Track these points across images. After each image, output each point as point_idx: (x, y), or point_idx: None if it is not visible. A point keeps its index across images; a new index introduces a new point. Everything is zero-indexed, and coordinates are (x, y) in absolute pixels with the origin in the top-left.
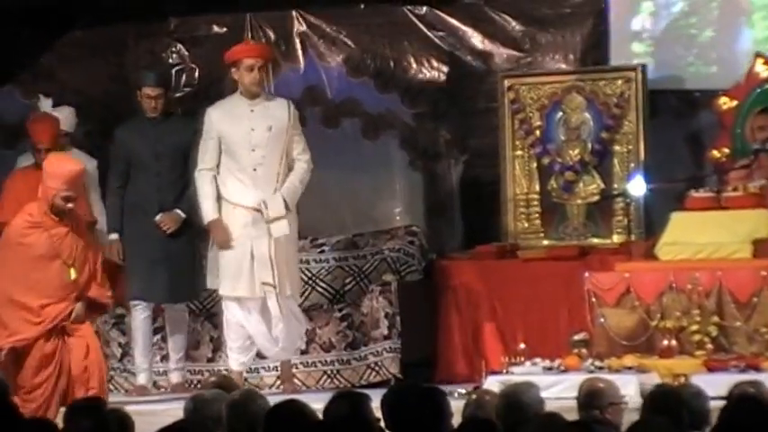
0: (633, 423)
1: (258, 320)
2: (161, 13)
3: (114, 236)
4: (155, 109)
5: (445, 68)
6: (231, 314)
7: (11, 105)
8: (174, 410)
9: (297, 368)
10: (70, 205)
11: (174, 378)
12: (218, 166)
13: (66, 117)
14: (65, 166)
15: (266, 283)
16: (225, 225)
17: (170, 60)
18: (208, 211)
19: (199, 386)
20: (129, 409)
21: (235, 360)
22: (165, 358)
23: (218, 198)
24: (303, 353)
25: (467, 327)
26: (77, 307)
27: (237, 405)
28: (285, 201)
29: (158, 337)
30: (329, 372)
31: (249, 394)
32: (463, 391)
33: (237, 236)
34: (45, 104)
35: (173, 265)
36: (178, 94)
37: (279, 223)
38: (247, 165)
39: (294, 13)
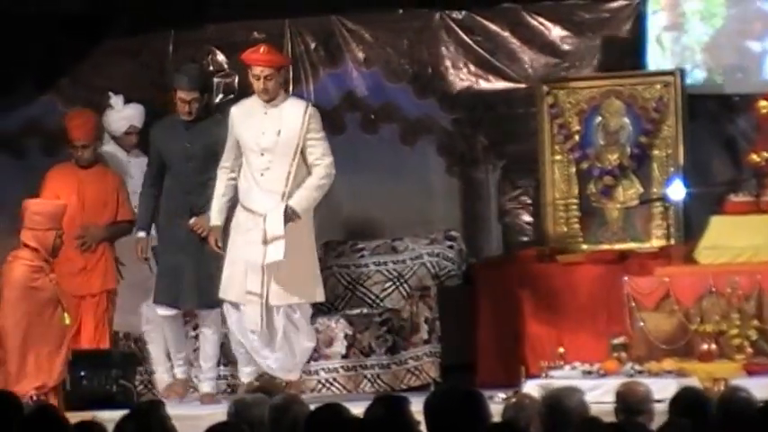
0: (659, 426)
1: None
2: (200, 20)
3: (141, 234)
4: (189, 113)
5: (483, 73)
6: (230, 321)
7: (51, 113)
8: (217, 415)
9: (337, 372)
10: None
11: (205, 387)
12: (240, 166)
13: (138, 113)
14: (53, 205)
15: (251, 292)
16: (218, 234)
17: (209, 67)
18: (212, 215)
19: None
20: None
21: (241, 371)
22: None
23: (231, 199)
24: (344, 357)
25: (506, 331)
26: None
27: (279, 409)
28: (288, 214)
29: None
30: (369, 376)
31: (290, 399)
32: (503, 396)
33: (241, 239)
34: (116, 101)
35: (202, 269)
36: (217, 101)
37: (275, 245)
38: (256, 168)
39: (333, 18)
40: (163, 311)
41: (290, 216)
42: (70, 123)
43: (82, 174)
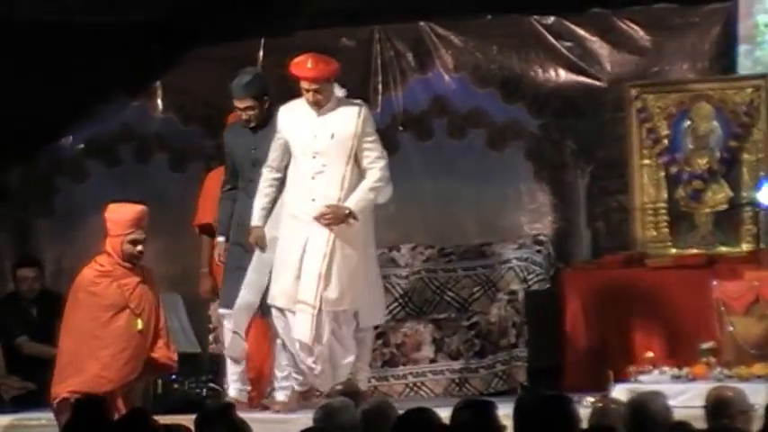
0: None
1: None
2: (290, 27)
3: (221, 239)
4: (247, 120)
5: (572, 78)
6: (278, 327)
7: (142, 120)
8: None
9: (425, 376)
10: (140, 248)
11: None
12: (286, 167)
13: None
14: (125, 209)
15: (302, 301)
16: (262, 236)
17: None
18: (254, 214)
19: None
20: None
21: (279, 391)
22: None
23: (274, 200)
24: (432, 361)
25: (594, 335)
26: None
27: (371, 413)
28: (344, 215)
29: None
30: (457, 380)
31: (381, 403)
32: (591, 400)
33: (291, 246)
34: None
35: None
36: None
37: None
38: (307, 172)
39: (422, 24)
40: (225, 312)
41: (345, 218)
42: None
43: None
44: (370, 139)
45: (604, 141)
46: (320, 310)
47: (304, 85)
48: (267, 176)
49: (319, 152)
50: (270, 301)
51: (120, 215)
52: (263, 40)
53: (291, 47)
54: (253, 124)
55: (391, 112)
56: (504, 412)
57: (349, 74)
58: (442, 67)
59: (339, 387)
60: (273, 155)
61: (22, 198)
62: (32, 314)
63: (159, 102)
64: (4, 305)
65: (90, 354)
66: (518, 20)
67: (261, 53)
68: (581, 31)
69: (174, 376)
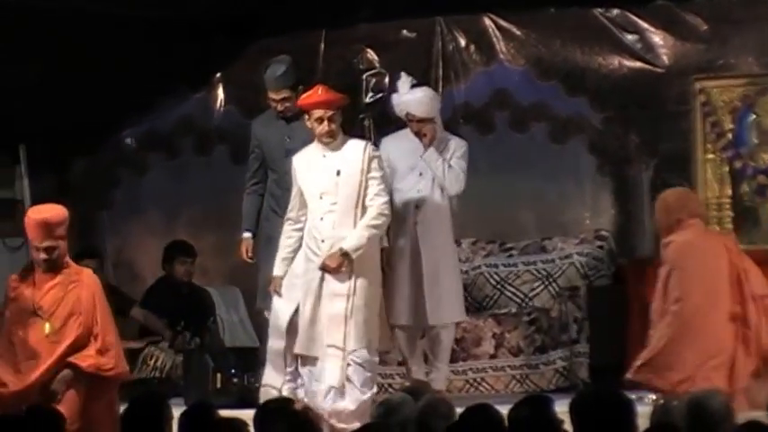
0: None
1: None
2: (351, 19)
3: (246, 235)
4: (281, 112)
5: (635, 71)
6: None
7: (203, 112)
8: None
9: (485, 372)
10: (43, 256)
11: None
12: (305, 216)
13: (415, 101)
14: (31, 217)
15: (332, 345)
16: (281, 284)
17: (360, 66)
18: (276, 266)
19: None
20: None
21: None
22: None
23: (296, 250)
24: (492, 357)
25: None
26: (60, 375)
27: (427, 410)
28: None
29: None
30: (518, 376)
31: (435, 400)
32: (653, 397)
33: (300, 286)
34: (403, 83)
35: None
36: (368, 100)
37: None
38: (316, 213)
39: (484, 16)
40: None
41: (341, 259)
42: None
43: None
44: (374, 175)
45: (668, 135)
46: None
47: (318, 114)
48: (287, 229)
49: (325, 191)
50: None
51: (28, 222)
52: (324, 32)
53: (353, 38)
54: (287, 115)
55: (452, 104)
56: (565, 409)
57: (410, 66)
58: (505, 59)
59: (406, 384)
60: (292, 204)
61: (83, 190)
62: None
63: (220, 94)
64: None
65: (8, 360)
66: (581, 12)
67: (322, 45)
68: (645, 24)
69: (232, 371)
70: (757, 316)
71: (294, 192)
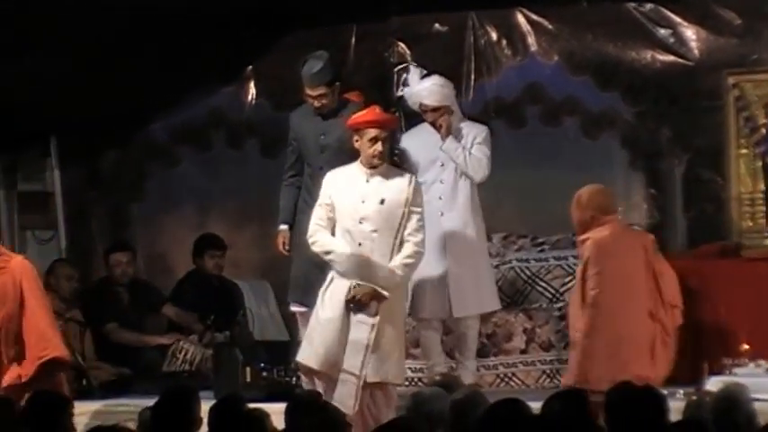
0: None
1: None
2: (382, 13)
3: (283, 227)
4: (318, 108)
5: (668, 65)
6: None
7: (234, 105)
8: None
9: (516, 367)
10: None
11: None
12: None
13: (427, 90)
14: None
15: (348, 371)
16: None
17: (391, 59)
18: (338, 252)
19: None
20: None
21: None
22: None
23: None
24: (523, 352)
25: (689, 326)
26: None
27: (461, 404)
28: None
29: None
30: (548, 371)
31: (471, 393)
32: (685, 392)
33: (333, 310)
34: (413, 74)
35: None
36: (399, 94)
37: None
38: (354, 237)
39: (516, 10)
40: (295, 308)
41: (373, 295)
42: None
43: None
44: (416, 210)
45: (701, 129)
46: (364, 381)
47: (372, 134)
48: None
49: (366, 217)
50: (303, 359)
51: None
52: (355, 26)
53: (384, 32)
54: (324, 111)
55: (483, 99)
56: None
57: (441, 60)
58: (537, 53)
59: (437, 377)
60: (319, 217)
61: (114, 183)
62: (123, 301)
63: (252, 87)
64: (97, 290)
65: None
66: (614, 7)
67: (354, 38)
68: (678, 18)
69: (262, 364)
70: (671, 324)
71: (324, 204)
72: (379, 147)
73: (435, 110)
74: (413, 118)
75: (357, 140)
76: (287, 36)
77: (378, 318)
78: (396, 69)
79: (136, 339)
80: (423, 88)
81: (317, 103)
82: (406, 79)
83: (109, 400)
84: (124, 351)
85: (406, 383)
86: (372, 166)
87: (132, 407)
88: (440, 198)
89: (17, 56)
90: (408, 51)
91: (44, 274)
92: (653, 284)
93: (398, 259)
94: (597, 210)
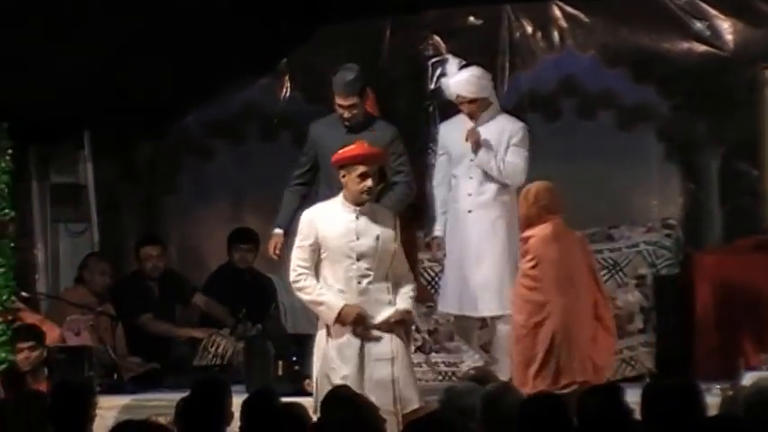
0: None
1: None
2: (417, 6)
3: (277, 231)
4: (347, 119)
5: (703, 58)
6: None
7: (268, 98)
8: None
9: None
10: None
11: None
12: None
13: (463, 81)
14: None
15: (384, 410)
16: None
17: (426, 52)
18: (330, 304)
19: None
20: None
21: None
22: None
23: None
24: None
25: (724, 321)
26: None
27: (492, 398)
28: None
29: None
30: None
31: (504, 387)
32: (721, 388)
33: (350, 367)
34: (451, 65)
35: None
36: (433, 87)
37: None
38: (351, 274)
39: (551, 3)
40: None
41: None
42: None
43: None
44: (399, 245)
45: (737, 122)
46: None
47: (361, 169)
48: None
49: (364, 254)
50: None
51: None
52: (390, 18)
53: (419, 25)
54: (352, 123)
55: (518, 92)
56: (633, 399)
57: (475, 53)
58: (572, 46)
59: (471, 371)
60: (303, 258)
61: (147, 175)
62: (154, 294)
63: (286, 80)
64: (128, 284)
65: None
66: (649, 0)
67: (389, 31)
68: (713, 11)
69: (294, 357)
70: (609, 315)
71: (307, 244)
72: (368, 183)
73: (472, 101)
74: (446, 113)
75: (344, 176)
76: (322, 28)
77: (393, 350)
78: (430, 62)
79: (169, 331)
80: (460, 79)
81: (347, 114)
82: (444, 69)
83: (139, 394)
84: (155, 345)
85: (440, 378)
86: (360, 203)
87: (163, 401)
88: (468, 195)
89: (50, 48)
90: (443, 44)
91: (77, 268)
92: (592, 280)
93: (406, 291)
94: (544, 207)
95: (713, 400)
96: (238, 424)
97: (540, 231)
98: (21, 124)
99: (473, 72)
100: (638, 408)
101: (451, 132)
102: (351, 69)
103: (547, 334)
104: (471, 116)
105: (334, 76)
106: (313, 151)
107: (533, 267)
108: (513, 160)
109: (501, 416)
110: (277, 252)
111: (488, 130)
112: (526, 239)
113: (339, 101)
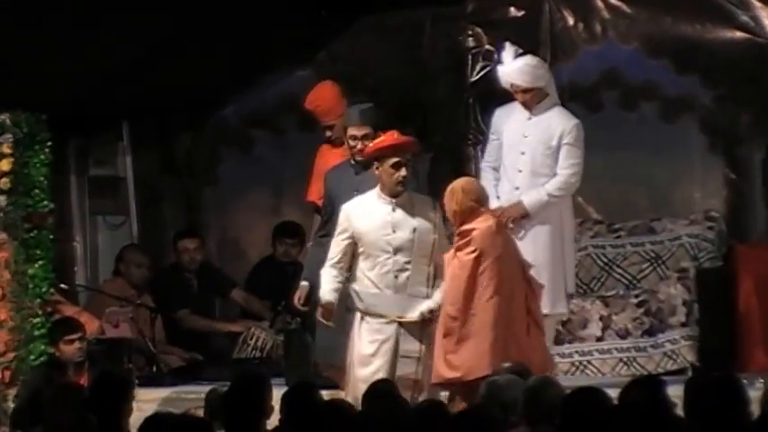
0: None
1: None
2: None
3: (304, 283)
4: (359, 151)
5: (747, 49)
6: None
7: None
8: None
9: (592, 355)
10: None
11: None
12: (349, 268)
13: (517, 70)
14: None
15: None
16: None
17: (466, 44)
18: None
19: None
20: None
21: None
22: None
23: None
24: (599, 339)
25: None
26: None
27: (533, 391)
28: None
29: None
30: (625, 359)
31: (545, 381)
32: (764, 382)
33: (372, 356)
34: (507, 53)
35: None
36: (474, 79)
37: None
38: (389, 268)
39: None
40: None
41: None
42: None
43: None
44: (442, 233)
45: None
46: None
47: (395, 159)
48: (333, 273)
49: (401, 248)
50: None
51: None
52: (431, 9)
53: (460, 17)
54: (362, 156)
55: (560, 83)
56: (674, 392)
57: (516, 45)
58: (614, 37)
59: (510, 364)
60: (338, 252)
61: (187, 167)
62: (193, 287)
63: (325, 70)
64: (166, 276)
65: None
66: None
67: (429, 22)
68: (757, 2)
69: None
70: (538, 309)
71: (342, 239)
72: (403, 172)
73: (526, 91)
74: (486, 105)
75: (377, 167)
76: (361, 19)
77: (421, 348)
78: (471, 53)
79: (207, 326)
80: (515, 68)
81: (359, 145)
82: (500, 57)
83: (178, 386)
84: (194, 338)
85: (573, 369)
86: (395, 195)
87: (202, 394)
88: (516, 189)
89: (90, 40)
90: (484, 36)
91: (114, 260)
92: (522, 273)
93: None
94: (476, 200)
95: (756, 393)
96: (278, 417)
97: (481, 224)
98: (60, 116)
99: (528, 61)
100: (680, 402)
101: (504, 118)
102: (364, 104)
103: (482, 326)
104: (526, 106)
105: (349, 109)
106: (330, 200)
107: (475, 259)
108: (563, 170)
109: (543, 409)
110: (301, 302)
111: (542, 122)
112: (468, 232)
113: (352, 131)
